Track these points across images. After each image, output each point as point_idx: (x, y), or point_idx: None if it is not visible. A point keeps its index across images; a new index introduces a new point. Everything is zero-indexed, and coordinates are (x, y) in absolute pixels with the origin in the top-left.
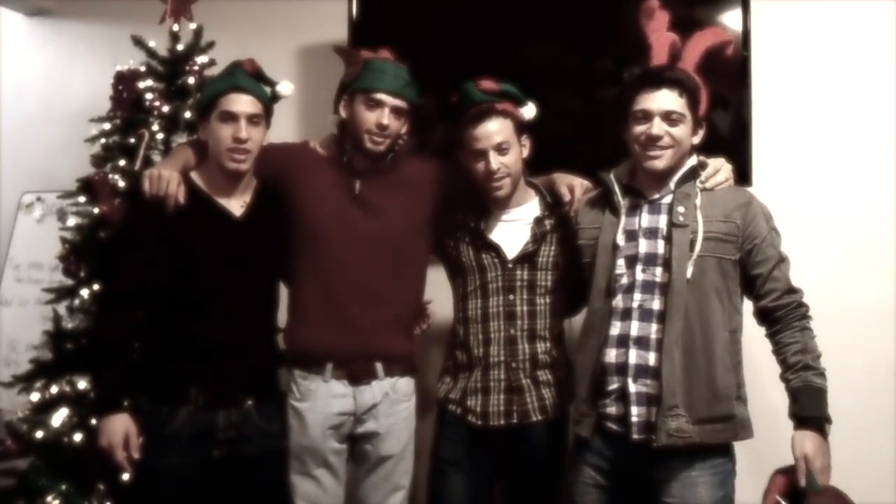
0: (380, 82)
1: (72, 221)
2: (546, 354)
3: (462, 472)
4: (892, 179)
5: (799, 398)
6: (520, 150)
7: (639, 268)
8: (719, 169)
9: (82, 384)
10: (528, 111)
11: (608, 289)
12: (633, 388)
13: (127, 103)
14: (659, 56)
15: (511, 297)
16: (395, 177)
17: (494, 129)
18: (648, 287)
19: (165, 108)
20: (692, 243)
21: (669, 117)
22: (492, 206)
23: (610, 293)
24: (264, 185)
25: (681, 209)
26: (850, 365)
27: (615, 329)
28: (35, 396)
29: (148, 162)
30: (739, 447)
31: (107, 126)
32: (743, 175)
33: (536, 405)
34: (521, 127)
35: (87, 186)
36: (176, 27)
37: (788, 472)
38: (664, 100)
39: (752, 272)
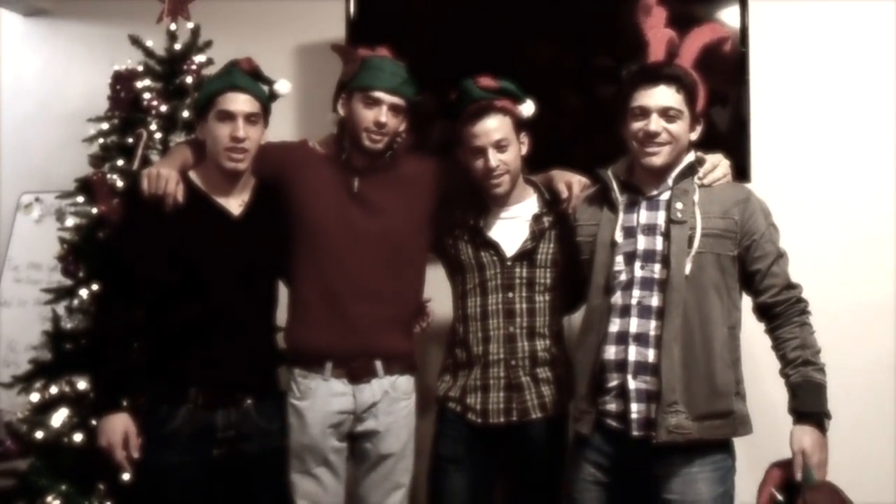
0: (377, 80)
1: (70, 221)
2: (545, 352)
3: (462, 469)
4: (891, 175)
5: (798, 393)
6: (518, 148)
7: (637, 264)
8: (717, 165)
9: (82, 384)
10: (527, 108)
11: (607, 286)
12: (632, 384)
13: (125, 103)
14: (656, 52)
15: (510, 294)
16: (393, 175)
17: (493, 127)
18: (647, 284)
19: (163, 108)
20: (690, 240)
21: (667, 113)
22: (490, 204)
23: (608, 290)
24: (263, 183)
25: (679, 205)
26: (850, 362)
27: (614, 326)
28: (35, 397)
29: (146, 161)
30: (739, 443)
31: (105, 126)
32: (741, 171)
33: (536, 402)
34: (520, 124)
35: (86, 186)
36: (173, 26)
37: (785, 466)
38: (661, 96)
39: (751, 268)
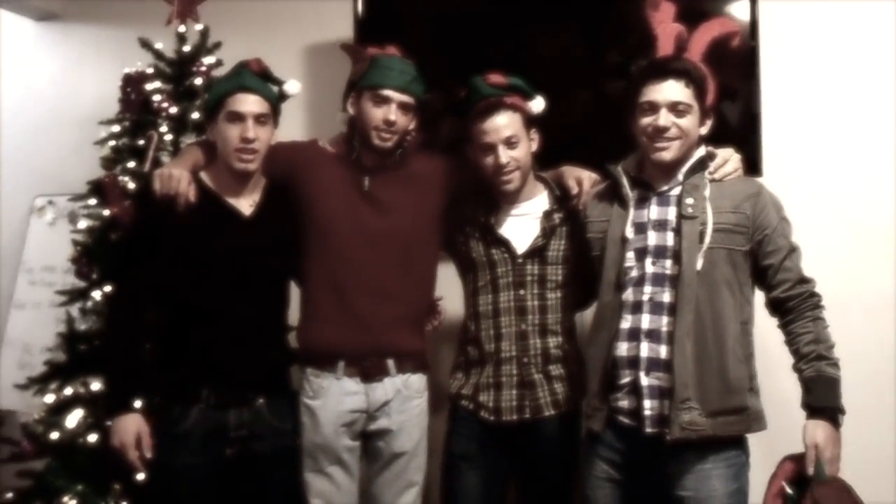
0: (386, 78)
1: (83, 224)
2: (558, 349)
3: (475, 467)
4: None
5: (812, 388)
6: (529, 144)
7: (648, 260)
8: (728, 159)
9: (96, 385)
10: (537, 105)
11: (618, 282)
12: (645, 381)
13: (135, 105)
14: (665, 47)
15: (522, 291)
16: (403, 173)
17: (503, 123)
18: (659, 279)
19: (173, 110)
20: (702, 235)
21: (676, 108)
22: (501, 201)
23: (620, 286)
24: (273, 184)
25: (690, 201)
26: (862, 356)
27: (626, 322)
28: (50, 398)
29: (157, 163)
30: (753, 439)
31: (116, 128)
32: (753, 165)
33: (549, 400)
34: (530, 121)
35: (98, 189)
36: (182, 28)
37: (798, 460)
38: (670, 90)
39: (763, 263)
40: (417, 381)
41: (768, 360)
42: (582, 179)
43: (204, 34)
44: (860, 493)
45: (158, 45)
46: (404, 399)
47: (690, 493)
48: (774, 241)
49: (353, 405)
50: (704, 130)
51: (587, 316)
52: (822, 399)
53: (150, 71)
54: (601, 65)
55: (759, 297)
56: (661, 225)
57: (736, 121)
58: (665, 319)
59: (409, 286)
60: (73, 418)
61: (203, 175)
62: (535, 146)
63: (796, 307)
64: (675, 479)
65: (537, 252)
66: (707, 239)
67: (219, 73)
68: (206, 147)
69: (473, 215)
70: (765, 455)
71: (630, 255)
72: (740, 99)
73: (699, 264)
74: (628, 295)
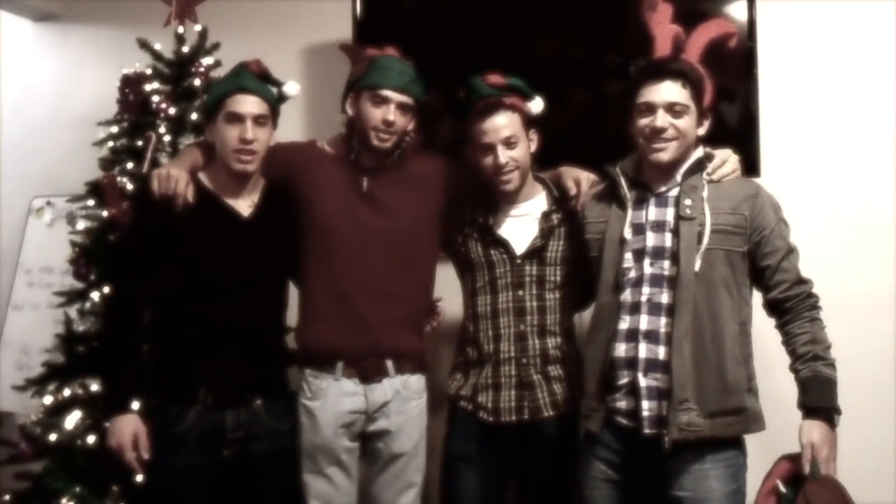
0: (385, 79)
1: (81, 225)
2: (557, 349)
3: (474, 468)
4: None
5: (808, 388)
6: (528, 145)
7: (647, 261)
8: (726, 160)
9: (95, 386)
10: (536, 105)
11: (616, 283)
12: (643, 382)
13: (134, 106)
14: (662, 48)
15: (520, 292)
16: (402, 174)
17: (502, 123)
18: (657, 280)
19: (172, 111)
20: (700, 236)
21: (673, 109)
22: (500, 202)
23: (618, 287)
24: (272, 185)
25: (688, 202)
26: (862, 356)
27: (624, 323)
28: (48, 399)
29: (155, 164)
30: (751, 439)
31: (114, 129)
32: (751, 166)
33: (548, 400)
34: (529, 121)
35: (96, 190)
36: (181, 29)
37: (795, 459)
38: (667, 91)
39: (761, 264)
40: (416, 381)
41: (766, 361)
42: (580, 180)
43: (203, 35)
44: (860, 493)
45: (157, 46)
46: (403, 400)
47: (688, 493)
48: (772, 242)
49: (351, 406)
50: (702, 131)
51: (586, 316)
52: (819, 399)
53: (148, 72)
54: (600, 65)
55: (757, 297)
56: (659, 226)
57: (734, 122)
58: (663, 320)
59: (408, 287)
60: (72, 420)
61: (202, 176)
62: (534, 146)
63: (793, 308)
64: (672, 479)
65: (536, 253)
66: (705, 240)
67: (217, 73)
68: (205, 148)
69: (472, 216)
70: (762, 455)
71: (628, 255)
72: (738, 100)
73: (697, 265)
74: (626, 296)
